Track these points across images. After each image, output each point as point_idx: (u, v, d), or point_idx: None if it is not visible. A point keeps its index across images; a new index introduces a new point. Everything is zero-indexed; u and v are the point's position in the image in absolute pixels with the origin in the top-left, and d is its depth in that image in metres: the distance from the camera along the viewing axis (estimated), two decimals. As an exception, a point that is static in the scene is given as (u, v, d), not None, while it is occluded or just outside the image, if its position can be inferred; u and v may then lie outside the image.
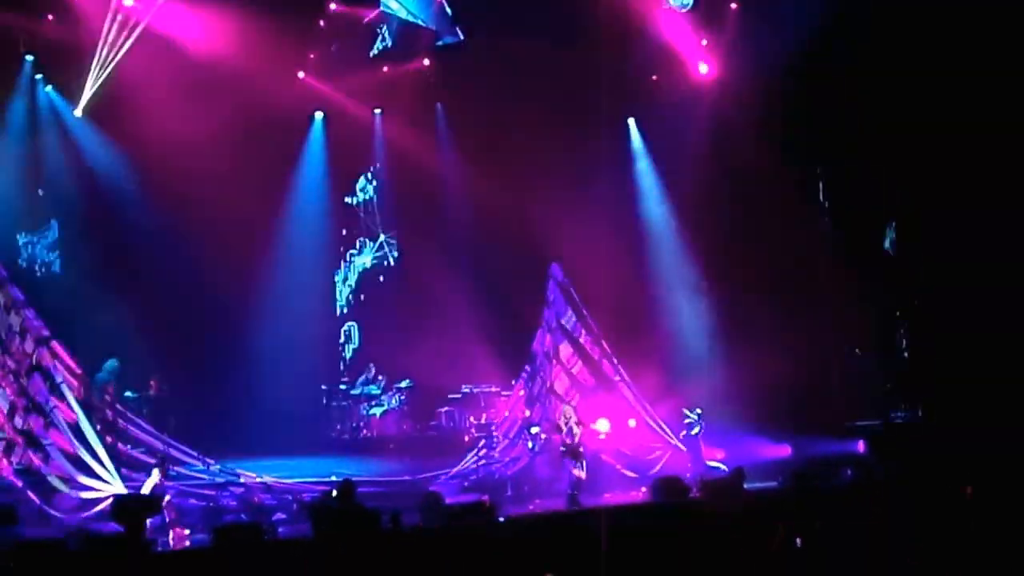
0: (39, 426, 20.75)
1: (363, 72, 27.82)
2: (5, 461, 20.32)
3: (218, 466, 22.36)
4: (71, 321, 23.14)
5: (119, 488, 20.59)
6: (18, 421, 20.62)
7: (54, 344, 21.47)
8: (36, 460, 20.42)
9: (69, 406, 21.10)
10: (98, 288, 25.27)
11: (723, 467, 24.17)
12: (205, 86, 25.15)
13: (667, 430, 25.22)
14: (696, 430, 24.55)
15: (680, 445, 24.89)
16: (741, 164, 26.80)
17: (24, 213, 25.03)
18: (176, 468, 21.67)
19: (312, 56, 27.54)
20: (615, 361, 25.72)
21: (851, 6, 25.79)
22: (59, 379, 21.21)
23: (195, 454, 22.25)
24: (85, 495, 20.40)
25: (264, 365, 26.73)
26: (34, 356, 21.10)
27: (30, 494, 19.97)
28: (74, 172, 25.40)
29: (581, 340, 25.69)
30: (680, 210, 28.51)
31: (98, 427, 21.52)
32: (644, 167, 29.19)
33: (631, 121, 29.13)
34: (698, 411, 24.68)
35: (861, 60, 26.19)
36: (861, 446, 25.70)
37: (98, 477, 20.73)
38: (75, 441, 20.83)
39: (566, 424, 22.43)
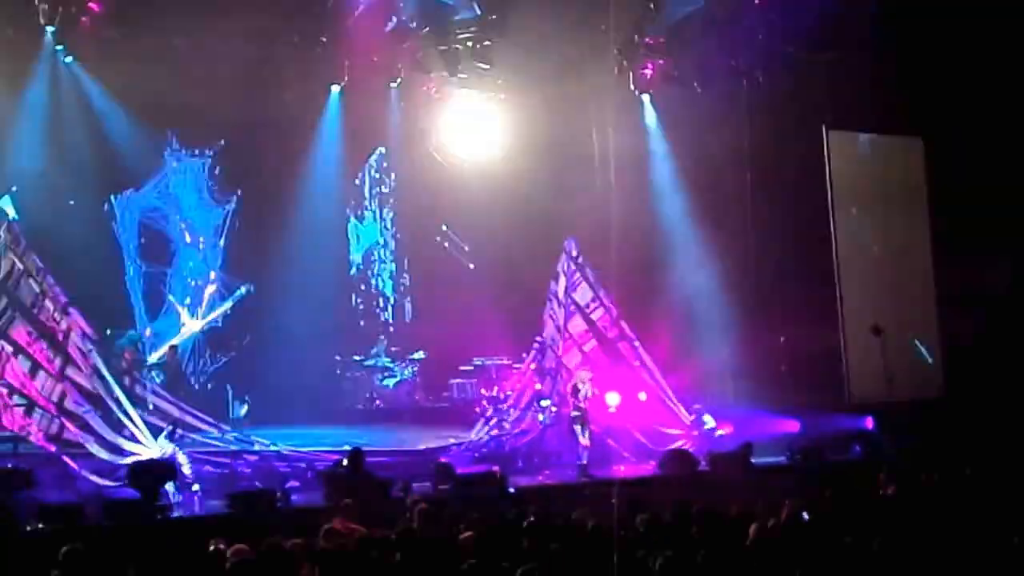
0: (57, 393, 20.96)
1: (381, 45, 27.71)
2: (25, 423, 20.54)
3: (233, 434, 22.59)
4: (88, 289, 23.30)
5: (152, 447, 20.86)
6: (37, 386, 20.81)
7: (72, 311, 21.68)
8: (53, 427, 20.63)
9: (88, 373, 21.33)
10: (116, 256, 25.49)
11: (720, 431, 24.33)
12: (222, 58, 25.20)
13: (680, 408, 25.24)
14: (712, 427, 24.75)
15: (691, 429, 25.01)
16: (758, 135, 26.85)
17: (45, 184, 25.03)
18: (191, 435, 21.88)
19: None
20: (634, 341, 25.66)
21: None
22: (80, 345, 21.44)
23: (211, 421, 22.45)
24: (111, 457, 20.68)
25: (278, 335, 26.89)
26: (55, 322, 21.30)
27: (53, 450, 20.24)
28: (94, 143, 25.45)
29: (594, 317, 25.70)
30: (693, 182, 28.42)
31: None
32: (658, 140, 29.10)
33: (645, 98, 29.00)
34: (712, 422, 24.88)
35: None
36: (869, 422, 25.79)
37: (131, 438, 20.99)
38: (93, 412, 21.06)
39: (583, 386, 22.70)
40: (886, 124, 28.13)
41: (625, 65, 27.85)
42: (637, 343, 25.50)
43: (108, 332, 23.56)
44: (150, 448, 20.78)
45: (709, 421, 24.75)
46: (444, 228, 29.90)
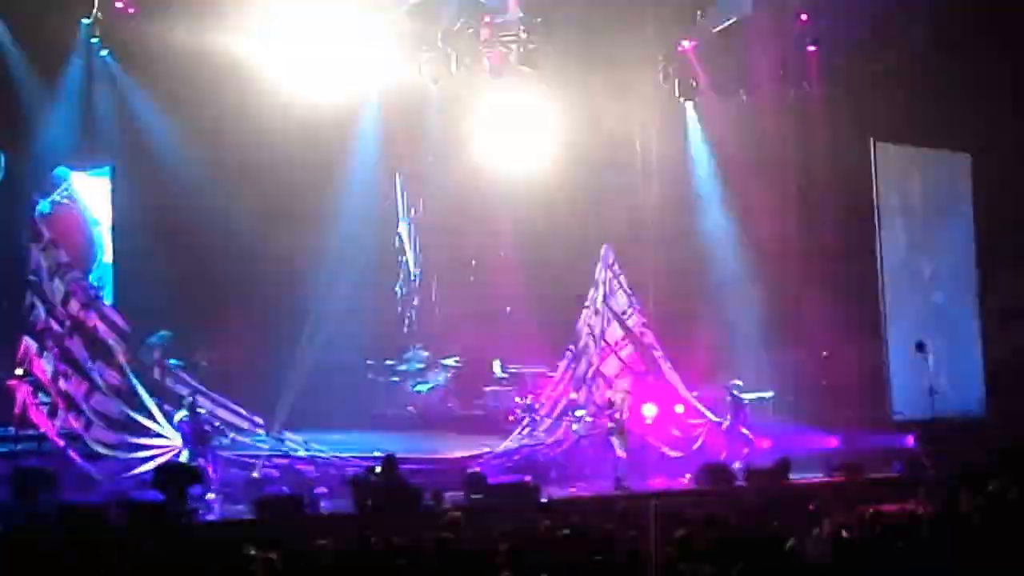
0: (82, 391, 20.75)
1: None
2: (50, 423, 20.34)
3: (263, 432, 22.33)
4: (120, 285, 23.12)
5: (175, 441, 20.67)
6: (62, 384, 20.61)
7: (101, 305, 21.47)
8: (77, 424, 20.41)
9: (115, 369, 21.13)
10: (148, 253, 25.32)
11: (749, 436, 23.94)
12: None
13: (708, 413, 24.89)
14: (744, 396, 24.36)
15: (720, 420, 24.60)
16: (804, 145, 26.54)
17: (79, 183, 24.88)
18: (223, 435, 21.65)
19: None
20: (661, 350, 25.29)
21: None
22: (109, 341, 21.24)
23: (244, 413, 22.18)
24: (133, 454, 20.47)
25: (310, 339, 26.55)
26: (80, 318, 21.09)
27: (72, 455, 20.02)
28: (129, 138, 25.30)
29: (630, 324, 25.36)
30: (735, 194, 28.10)
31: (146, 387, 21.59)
32: (700, 151, 28.76)
33: (689, 106, 28.64)
34: (738, 382, 24.50)
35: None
36: (911, 440, 25.38)
37: (152, 434, 20.78)
38: (120, 405, 20.87)
39: (621, 399, 22.40)
40: (934, 138, 27.71)
41: (670, 72, 27.54)
42: (658, 352, 25.16)
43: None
44: (172, 439, 20.68)
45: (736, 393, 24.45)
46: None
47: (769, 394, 25.19)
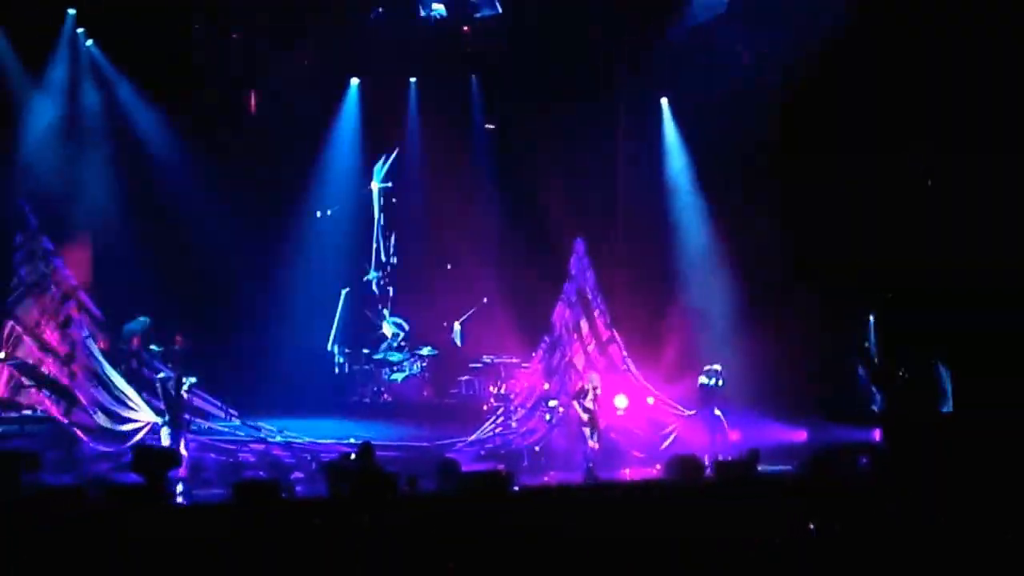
0: (64, 375, 20.96)
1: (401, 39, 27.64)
2: (43, 400, 20.60)
3: (238, 420, 22.56)
4: (99, 273, 23.27)
5: (150, 416, 20.92)
6: (46, 370, 20.82)
7: (80, 294, 21.67)
8: (57, 409, 20.63)
9: (93, 356, 21.34)
10: (127, 242, 25.47)
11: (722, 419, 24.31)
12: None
13: (679, 407, 25.22)
14: (714, 382, 24.67)
15: (688, 412, 24.95)
16: (774, 141, 26.70)
17: (60, 169, 24.99)
18: (198, 420, 21.89)
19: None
20: (622, 348, 25.57)
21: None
22: (84, 332, 21.46)
23: (218, 404, 22.45)
24: (108, 441, 20.75)
25: (287, 326, 26.95)
26: (63, 305, 21.30)
27: (55, 436, 20.28)
28: (113, 129, 25.46)
29: (595, 318, 25.66)
30: (707, 185, 28.36)
31: (122, 375, 21.82)
32: (675, 146, 29.01)
33: (664, 101, 28.95)
34: (716, 367, 24.82)
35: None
36: (877, 435, 25.62)
37: (127, 420, 21.08)
38: (98, 390, 21.09)
39: (592, 390, 22.66)
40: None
41: (643, 66, 27.73)
42: (625, 353, 25.45)
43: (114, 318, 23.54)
44: (143, 412, 21.09)
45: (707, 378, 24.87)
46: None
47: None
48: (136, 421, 21.11)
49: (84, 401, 20.94)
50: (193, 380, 21.72)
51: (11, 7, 23.85)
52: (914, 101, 25.84)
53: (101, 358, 21.55)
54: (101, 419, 20.88)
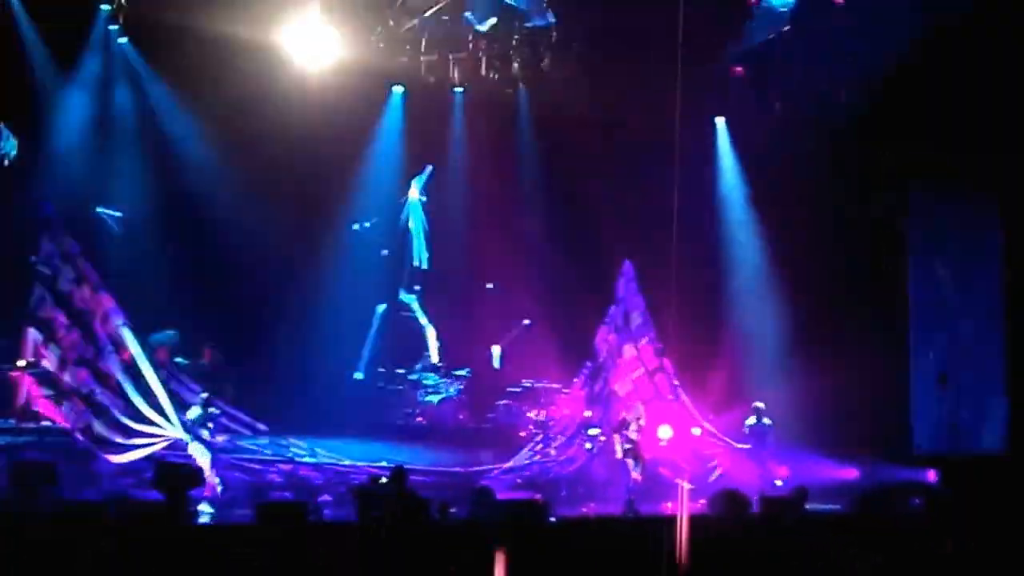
0: (88, 383, 20.44)
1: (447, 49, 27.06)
2: (58, 412, 20.12)
3: (267, 439, 21.96)
4: (128, 282, 22.82)
5: (174, 432, 20.38)
6: (68, 376, 20.32)
7: (105, 301, 21.18)
8: (76, 422, 20.15)
9: (116, 367, 20.80)
10: (158, 251, 25.06)
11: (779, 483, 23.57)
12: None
13: (727, 440, 24.61)
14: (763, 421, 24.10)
15: (739, 445, 24.35)
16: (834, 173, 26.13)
17: (91, 171, 24.59)
18: (225, 435, 21.36)
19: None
20: (671, 376, 24.95)
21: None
22: (108, 342, 20.95)
23: (246, 419, 21.82)
24: (131, 454, 20.18)
25: (319, 342, 26.30)
26: (91, 306, 20.83)
27: (76, 448, 19.73)
28: (146, 130, 25.07)
29: (641, 345, 24.94)
30: (763, 216, 27.89)
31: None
32: (729, 167, 28.44)
33: (719, 120, 28.35)
34: (759, 404, 24.33)
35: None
36: (932, 475, 24.90)
37: (146, 435, 20.58)
38: (120, 403, 20.57)
39: (636, 420, 21.94)
40: (964, 174, 27.27)
41: (700, 87, 27.13)
42: (676, 382, 24.85)
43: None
44: (171, 428, 20.49)
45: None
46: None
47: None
48: (156, 436, 20.40)
49: (105, 413, 20.34)
50: (205, 395, 21.07)
51: (45, 4, 23.55)
52: (975, 126, 25.21)
53: (125, 370, 20.95)
54: (121, 433, 20.27)
